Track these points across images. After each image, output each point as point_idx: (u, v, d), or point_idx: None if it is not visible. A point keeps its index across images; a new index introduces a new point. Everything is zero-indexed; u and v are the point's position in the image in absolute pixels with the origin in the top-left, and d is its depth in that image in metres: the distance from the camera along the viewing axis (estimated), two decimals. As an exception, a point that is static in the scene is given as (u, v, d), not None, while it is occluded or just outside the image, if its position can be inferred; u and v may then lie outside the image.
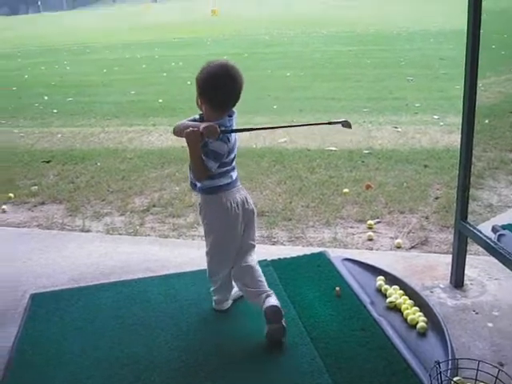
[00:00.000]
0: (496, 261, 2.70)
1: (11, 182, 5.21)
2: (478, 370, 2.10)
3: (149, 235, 4.02)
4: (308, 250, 3.49)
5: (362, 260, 3.26)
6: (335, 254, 3.37)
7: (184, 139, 2.41)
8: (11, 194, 4.84)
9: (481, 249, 2.95)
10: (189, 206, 4.41)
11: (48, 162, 5.85)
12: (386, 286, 2.92)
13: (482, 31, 2.66)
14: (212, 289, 2.80)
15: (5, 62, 15.92)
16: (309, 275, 3.13)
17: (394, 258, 3.41)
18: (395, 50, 13.83)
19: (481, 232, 2.79)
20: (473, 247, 3.25)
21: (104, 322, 2.80)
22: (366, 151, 5.65)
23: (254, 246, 2.72)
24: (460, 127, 2.83)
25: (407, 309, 2.71)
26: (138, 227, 4.14)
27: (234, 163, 2.57)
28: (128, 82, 11.10)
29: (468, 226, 2.87)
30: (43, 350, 2.60)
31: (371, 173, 5.01)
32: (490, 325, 2.66)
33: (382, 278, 3.01)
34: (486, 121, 5.94)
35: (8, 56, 17.51)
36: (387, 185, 4.66)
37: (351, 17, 24.10)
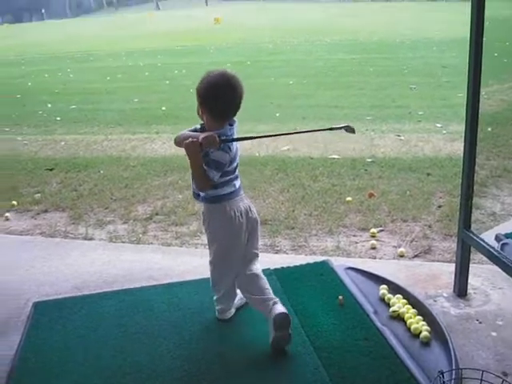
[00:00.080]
0: (500, 269, 2.70)
1: (14, 190, 5.22)
2: (481, 379, 2.09)
3: (152, 243, 4.01)
4: (311, 259, 3.49)
5: (365, 269, 3.25)
6: (338, 263, 3.36)
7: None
8: (14, 202, 4.85)
9: (484, 257, 2.94)
10: (192, 214, 4.41)
11: (51, 169, 5.86)
12: (390, 295, 2.91)
13: (484, 39, 2.66)
14: (215, 298, 2.80)
15: (9, 69, 16.00)
16: (312, 284, 3.13)
17: (397, 266, 3.41)
18: (398, 58, 13.87)
19: (484, 241, 2.78)
20: (476, 256, 3.24)
21: (107, 330, 2.79)
22: (369, 159, 5.65)
23: (257, 255, 2.72)
24: (463, 135, 2.83)
25: (410, 318, 2.70)
26: (140, 235, 4.14)
27: (236, 172, 2.57)
28: (131, 89, 11.14)
29: (471, 235, 2.85)
30: (46, 359, 2.59)
31: (374, 181, 5.01)
32: (494, 334, 2.65)
33: (385, 286, 3.00)
34: (489, 129, 5.96)
35: (12, 63, 17.60)
36: (390, 193, 4.66)
37: (354, 25, 24.18)
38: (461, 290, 2.99)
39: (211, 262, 2.70)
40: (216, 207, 2.56)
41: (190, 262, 3.52)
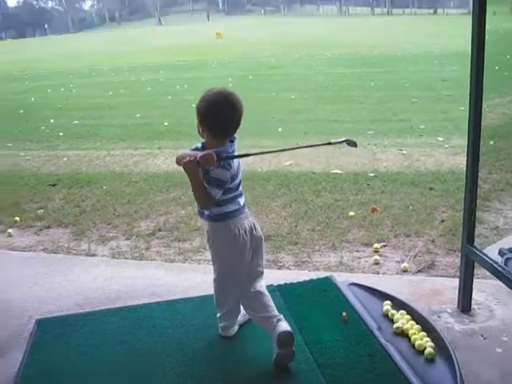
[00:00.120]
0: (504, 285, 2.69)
1: (17, 206, 5.22)
2: (487, 397, 2.08)
3: (154, 259, 4.00)
4: (314, 275, 3.47)
5: (369, 284, 3.24)
6: (341, 279, 3.35)
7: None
8: (17, 218, 4.85)
9: (488, 272, 2.93)
10: (194, 229, 4.41)
11: (54, 185, 5.87)
12: (393, 311, 2.90)
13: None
14: (219, 315, 2.79)
15: (12, 84, 16.11)
16: (315, 300, 3.11)
17: (400, 282, 3.40)
18: (399, 71, 13.94)
19: (487, 256, 2.77)
20: (480, 271, 3.22)
21: (109, 347, 2.78)
22: (372, 174, 5.65)
23: (262, 273, 2.71)
24: (465, 149, 2.83)
25: (415, 334, 2.69)
26: (143, 251, 4.13)
27: (240, 189, 2.57)
28: (133, 104, 11.19)
29: (475, 250, 2.85)
30: (48, 376, 2.58)
31: (377, 196, 5.00)
32: (499, 350, 2.63)
33: (388, 302, 2.98)
34: (491, 142, 5.96)
35: (15, 79, 17.73)
36: (393, 208, 4.65)
37: (354, 39, 24.32)
38: (465, 305, 2.98)
39: (215, 280, 2.69)
40: (220, 225, 2.55)
41: (193, 278, 3.51)
